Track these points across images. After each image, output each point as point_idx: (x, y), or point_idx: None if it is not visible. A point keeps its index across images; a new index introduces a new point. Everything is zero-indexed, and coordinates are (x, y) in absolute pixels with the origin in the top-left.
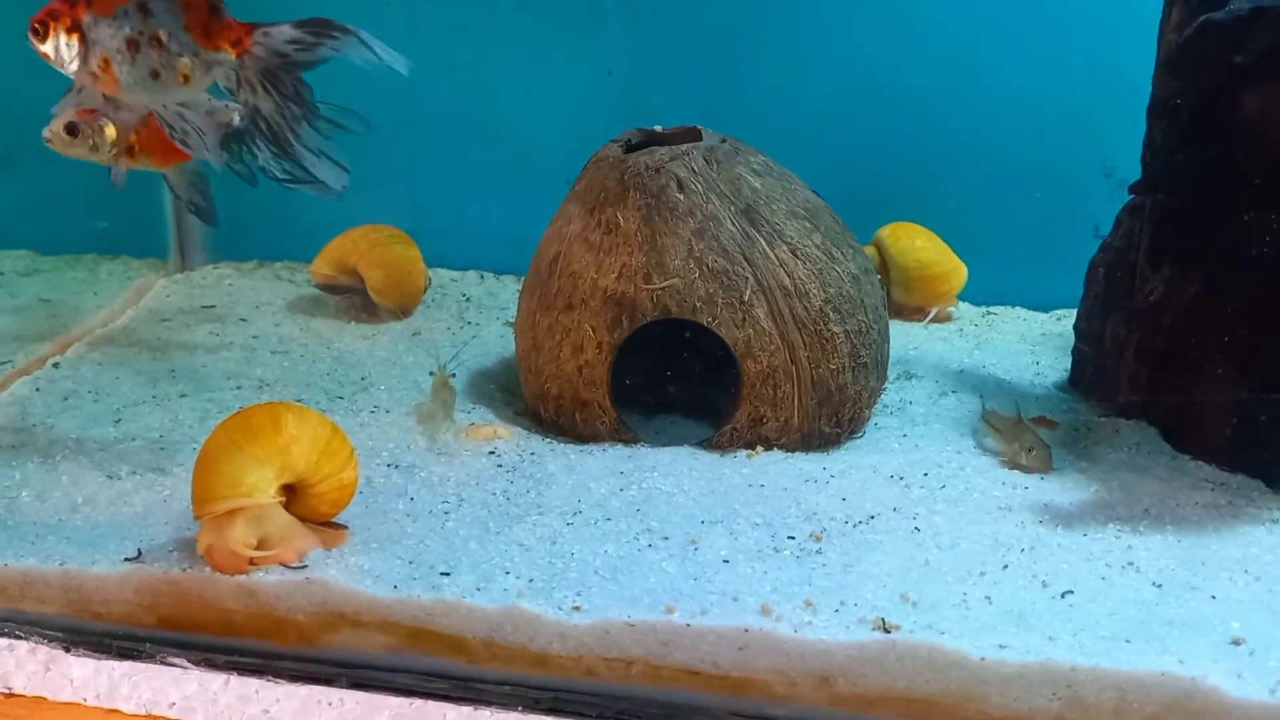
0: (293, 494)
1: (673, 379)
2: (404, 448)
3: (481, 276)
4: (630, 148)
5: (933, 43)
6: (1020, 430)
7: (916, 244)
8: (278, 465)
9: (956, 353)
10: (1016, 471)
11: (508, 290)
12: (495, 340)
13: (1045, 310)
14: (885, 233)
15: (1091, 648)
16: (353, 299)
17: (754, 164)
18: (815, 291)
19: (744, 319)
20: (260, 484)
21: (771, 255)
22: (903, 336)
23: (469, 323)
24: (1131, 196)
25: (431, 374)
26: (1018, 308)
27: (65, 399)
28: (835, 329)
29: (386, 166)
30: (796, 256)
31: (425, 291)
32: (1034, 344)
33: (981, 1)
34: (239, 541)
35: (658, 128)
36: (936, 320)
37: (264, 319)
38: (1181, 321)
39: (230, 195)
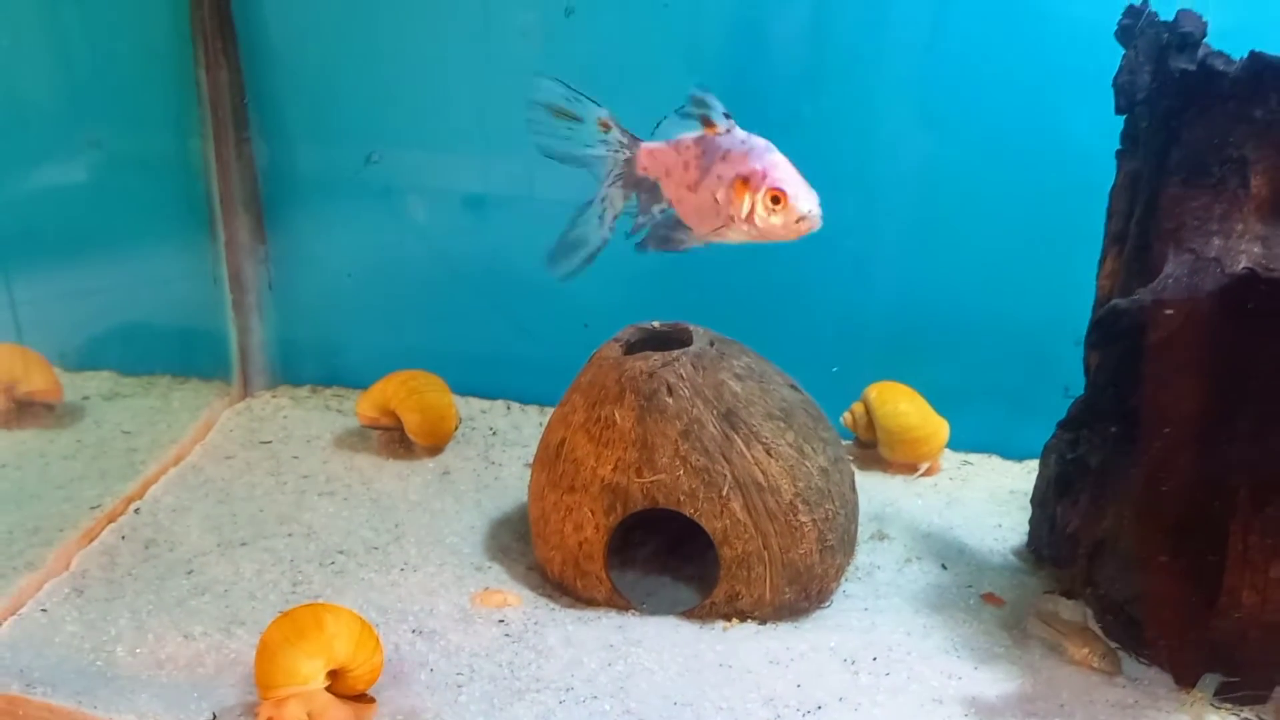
0: (332, 675)
1: (662, 554)
2: (428, 611)
3: (509, 407)
4: (630, 347)
5: (912, 212)
6: (1088, 636)
7: (900, 408)
8: (325, 658)
9: (928, 511)
10: (959, 660)
11: (531, 422)
12: (515, 482)
13: (1019, 459)
14: (873, 394)
15: None
16: (391, 434)
17: (737, 368)
18: (786, 486)
19: (722, 511)
20: (311, 674)
21: (748, 454)
22: (884, 490)
23: (493, 462)
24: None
25: None
26: (994, 456)
27: (146, 547)
28: (804, 519)
29: (422, 297)
30: (770, 455)
31: (456, 429)
32: (1001, 502)
33: (970, 182)
34: None
35: (655, 324)
36: (927, 474)
37: (313, 455)
38: (1092, 552)
39: (287, 319)
